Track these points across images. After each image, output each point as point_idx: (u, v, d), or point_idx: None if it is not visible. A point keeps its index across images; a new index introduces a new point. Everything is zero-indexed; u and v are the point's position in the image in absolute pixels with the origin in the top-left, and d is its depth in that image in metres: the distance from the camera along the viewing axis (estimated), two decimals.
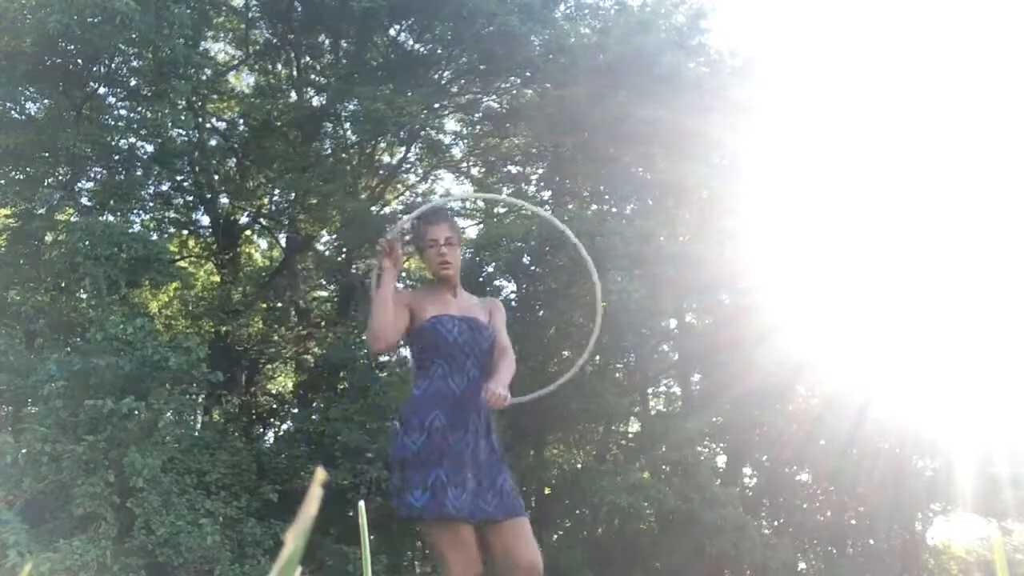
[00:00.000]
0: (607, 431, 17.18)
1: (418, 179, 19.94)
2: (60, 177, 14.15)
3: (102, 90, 14.73)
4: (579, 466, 17.50)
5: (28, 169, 13.68)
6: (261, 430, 18.15)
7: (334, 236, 18.15)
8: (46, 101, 14.10)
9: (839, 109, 15.33)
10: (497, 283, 17.96)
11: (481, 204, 19.64)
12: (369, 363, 15.40)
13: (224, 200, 18.02)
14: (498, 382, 3.13)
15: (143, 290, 15.90)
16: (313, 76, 18.32)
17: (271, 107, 17.59)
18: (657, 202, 16.54)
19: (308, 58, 18.32)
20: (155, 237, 15.23)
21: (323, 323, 17.70)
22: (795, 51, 16.85)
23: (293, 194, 17.06)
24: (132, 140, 15.03)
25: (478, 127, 18.81)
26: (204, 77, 16.17)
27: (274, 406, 19.07)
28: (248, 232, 19.41)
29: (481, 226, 18.66)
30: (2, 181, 13.75)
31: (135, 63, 14.46)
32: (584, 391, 14.43)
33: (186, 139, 16.57)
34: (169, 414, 12.06)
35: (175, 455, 11.88)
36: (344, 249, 17.65)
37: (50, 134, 12.98)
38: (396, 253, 3.29)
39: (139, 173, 14.94)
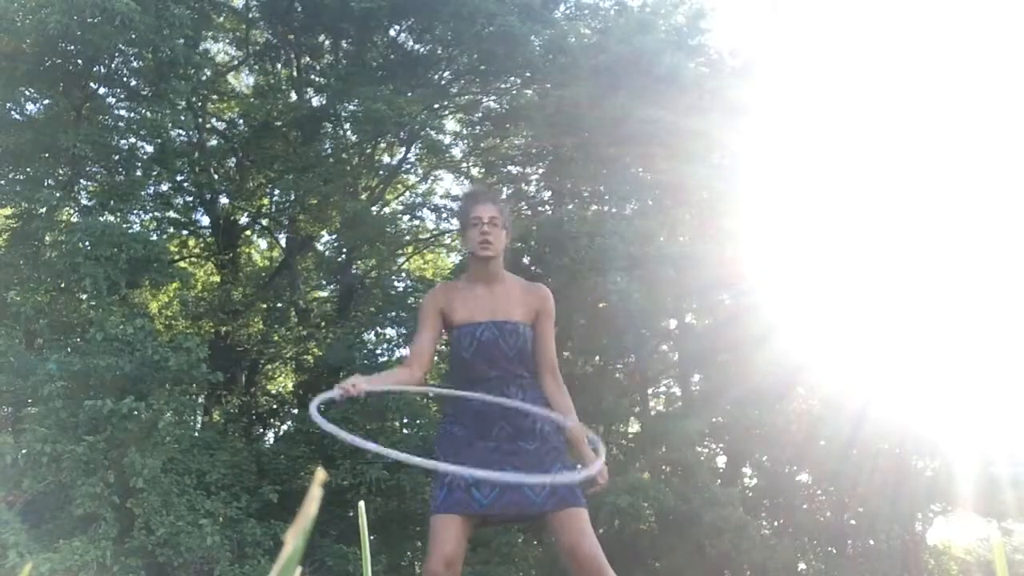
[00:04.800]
0: (607, 431, 17.16)
1: (418, 179, 19.95)
2: (60, 177, 14.15)
3: (102, 90, 14.73)
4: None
5: (28, 169, 13.68)
6: (261, 430, 18.16)
7: (334, 236, 18.16)
8: (46, 101, 14.10)
9: (840, 109, 15.33)
10: None
11: None
12: (369, 364, 15.39)
13: (224, 200, 18.02)
14: (596, 464, 2.99)
15: (143, 290, 15.90)
16: (313, 76, 18.32)
17: (271, 107, 17.60)
18: (657, 202, 16.53)
19: (308, 58, 18.33)
20: (155, 237, 15.23)
21: (323, 323, 17.70)
22: (795, 51, 16.84)
23: (293, 194, 17.06)
24: (132, 140, 15.03)
25: (478, 127, 18.81)
26: (204, 77, 16.18)
27: (274, 406, 19.07)
28: (248, 232, 19.41)
29: None
30: (2, 181, 13.75)
31: (135, 63, 14.46)
32: (584, 392, 14.42)
33: (186, 139, 16.58)
34: (169, 414, 12.03)
35: (175, 455, 11.87)
36: (344, 249, 17.65)
37: (50, 134, 12.97)
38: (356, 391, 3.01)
39: (139, 173, 14.93)
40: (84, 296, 12.79)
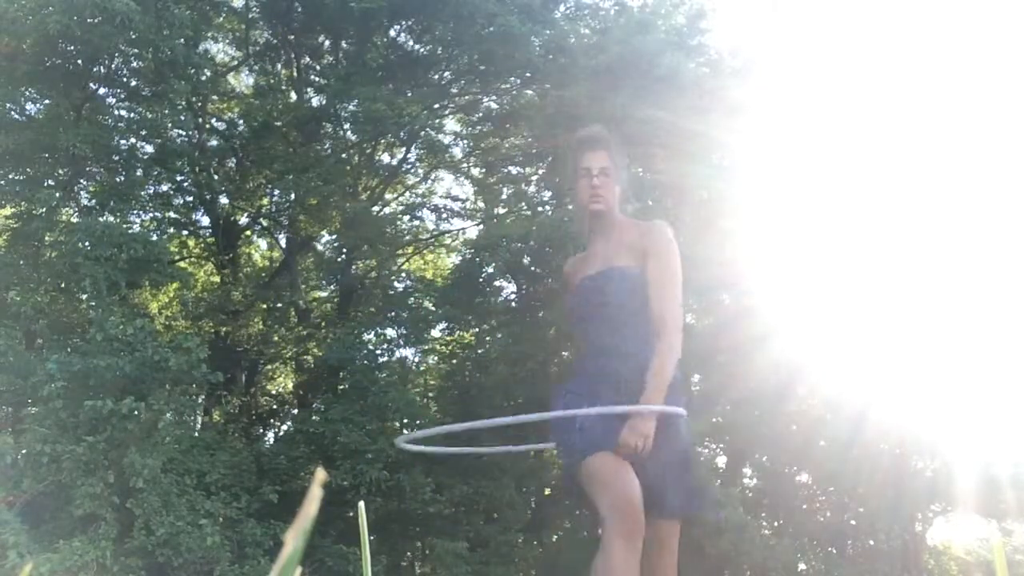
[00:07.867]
0: None
1: (418, 179, 19.95)
2: (60, 177, 14.15)
3: (102, 90, 14.73)
4: None
5: (28, 169, 13.68)
6: (261, 431, 18.15)
7: (334, 236, 18.15)
8: (46, 101, 14.10)
9: (840, 110, 15.32)
10: (497, 283, 17.97)
11: (481, 204, 19.67)
12: (369, 364, 15.40)
13: (224, 200, 18.01)
14: (635, 422, 2.72)
15: (143, 291, 15.89)
16: (313, 76, 18.32)
17: (271, 107, 17.59)
18: (657, 202, 16.52)
19: (308, 58, 18.33)
20: (155, 237, 15.22)
21: (323, 323, 17.69)
22: (795, 51, 16.84)
23: (293, 194, 17.05)
24: (132, 140, 15.03)
25: (478, 127, 18.80)
26: (204, 78, 16.16)
27: (274, 406, 19.08)
28: (248, 232, 19.40)
29: (481, 226, 18.67)
30: (2, 182, 13.75)
31: (135, 63, 14.46)
32: None
33: (186, 139, 16.56)
34: (169, 415, 12.04)
35: (175, 456, 11.87)
36: (344, 249, 17.65)
37: (50, 134, 12.97)
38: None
39: (139, 173, 14.93)
40: (84, 296, 12.78)
